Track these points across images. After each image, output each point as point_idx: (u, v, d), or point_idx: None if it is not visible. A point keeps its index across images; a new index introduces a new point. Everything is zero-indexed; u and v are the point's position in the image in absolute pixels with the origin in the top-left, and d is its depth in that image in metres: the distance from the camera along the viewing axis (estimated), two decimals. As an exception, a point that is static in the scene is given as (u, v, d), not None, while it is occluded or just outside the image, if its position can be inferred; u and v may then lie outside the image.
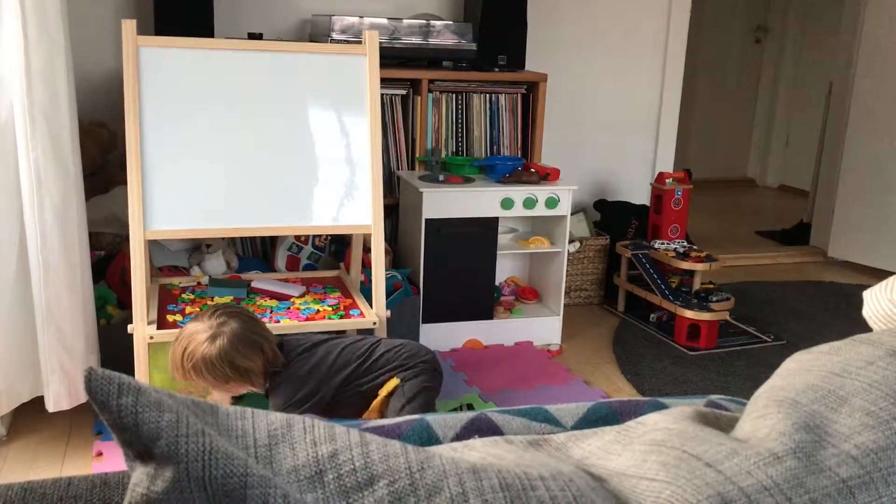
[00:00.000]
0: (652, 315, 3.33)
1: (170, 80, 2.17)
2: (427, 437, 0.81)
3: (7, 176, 2.03)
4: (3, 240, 2.04)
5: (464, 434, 0.82)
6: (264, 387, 2.07)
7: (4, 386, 2.10)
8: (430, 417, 0.84)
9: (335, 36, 2.99)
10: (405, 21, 3.12)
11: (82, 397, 2.23)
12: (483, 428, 0.82)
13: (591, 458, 0.70)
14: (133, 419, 0.49)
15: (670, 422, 0.73)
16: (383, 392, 2.09)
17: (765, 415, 0.73)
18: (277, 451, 0.54)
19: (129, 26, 2.11)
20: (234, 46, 2.26)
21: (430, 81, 3.12)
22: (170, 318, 2.24)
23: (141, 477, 0.48)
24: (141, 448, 0.49)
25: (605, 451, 0.71)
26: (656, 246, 3.37)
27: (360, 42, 2.93)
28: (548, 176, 3.03)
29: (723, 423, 0.79)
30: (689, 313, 3.09)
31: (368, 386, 2.10)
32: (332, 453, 0.54)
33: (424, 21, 3.15)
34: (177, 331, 2.15)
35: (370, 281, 2.40)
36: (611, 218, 3.66)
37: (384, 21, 3.08)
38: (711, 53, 6.05)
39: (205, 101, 2.21)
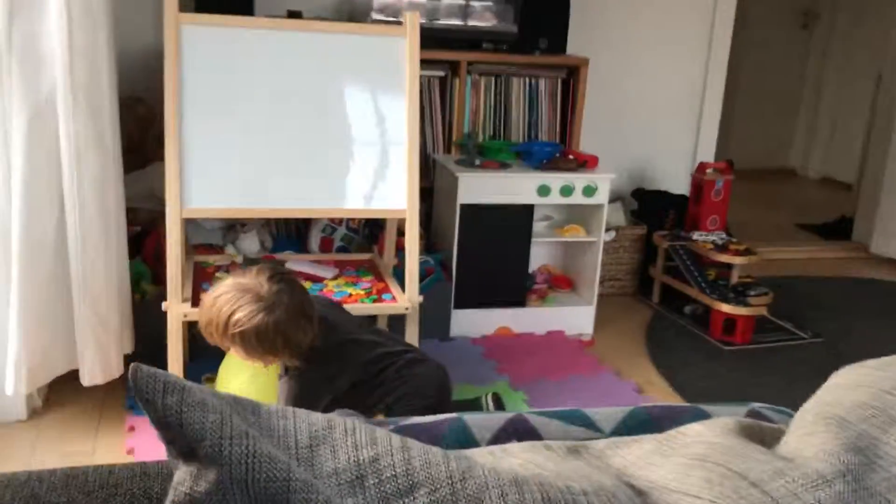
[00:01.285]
0: (687, 307, 3.29)
1: (210, 59, 2.16)
2: (464, 438, 0.79)
3: (48, 150, 2.04)
4: (42, 212, 2.05)
5: (501, 436, 0.80)
6: (295, 364, 1.94)
7: (41, 359, 2.12)
8: (467, 417, 0.83)
9: (375, 15, 2.97)
10: (445, 1, 3.09)
11: (116, 372, 2.26)
12: (520, 430, 0.81)
13: (632, 469, 0.68)
14: (177, 419, 0.48)
15: (713, 435, 0.70)
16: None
17: (812, 432, 0.70)
18: (318, 454, 0.53)
19: (171, 3, 2.10)
20: (274, 25, 2.25)
21: (470, 64, 3.09)
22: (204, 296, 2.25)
23: (184, 476, 0.48)
24: (185, 447, 0.48)
25: (646, 461, 0.69)
26: (694, 237, 3.32)
27: (400, 22, 2.91)
28: (586, 163, 2.99)
29: (767, 437, 0.76)
30: (725, 307, 3.04)
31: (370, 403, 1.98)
32: (373, 458, 0.53)
33: (464, 2, 3.11)
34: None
35: (403, 265, 2.39)
36: (648, 207, 3.60)
37: (424, 1, 3.05)
38: (756, 38, 5.91)
39: (244, 81, 2.20)
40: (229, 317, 1.76)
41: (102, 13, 2.07)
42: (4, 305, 2.07)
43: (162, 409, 0.49)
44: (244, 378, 2.17)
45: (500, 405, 2.21)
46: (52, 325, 2.14)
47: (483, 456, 0.66)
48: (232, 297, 1.77)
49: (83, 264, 2.10)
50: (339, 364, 1.94)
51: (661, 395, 2.61)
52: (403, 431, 0.76)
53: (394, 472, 0.51)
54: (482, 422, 0.82)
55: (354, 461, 0.52)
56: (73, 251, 2.09)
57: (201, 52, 2.15)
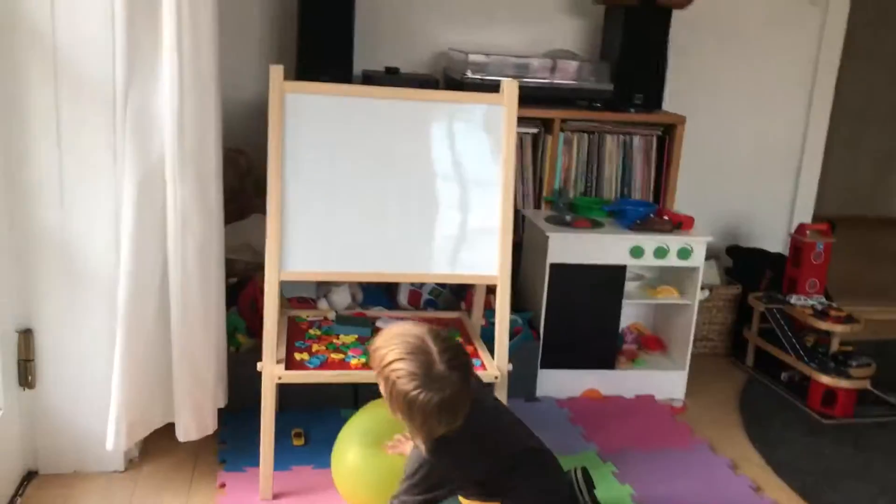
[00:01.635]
0: (783, 374, 3.16)
1: (311, 126, 2.20)
2: None
3: (155, 215, 2.10)
4: (147, 275, 2.12)
5: None
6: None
7: (140, 414, 2.18)
8: None
9: (470, 74, 2.98)
10: (540, 60, 3.08)
11: (210, 429, 2.30)
12: None
13: None
14: None
15: None
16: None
17: None
18: None
19: (276, 72, 2.15)
20: (373, 94, 2.28)
21: (563, 121, 3.06)
22: (297, 356, 2.28)
23: None
24: None
25: None
26: (792, 301, 3.19)
27: (496, 83, 2.92)
28: (681, 225, 2.92)
29: None
30: (825, 378, 2.91)
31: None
32: None
33: (561, 60, 3.09)
34: (302, 372, 2.19)
35: (491, 324, 2.37)
36: (744, 266, 3.49)
37: (520, 60, 3.04)
38: (856, 80, 5.69)
39: (342, 146, 2.23)
40: (392, 362, 1.76)
41: (212, 78, 2.13)
42: (109, 363, 2.13)
43: None
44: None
45: (589, 482, 2.15)
46: (152, 383, 2.20)
47: None
48: (407, 350, 1.76)
49: (183, 326, 2.15)
50: (475, 452, 1.90)
51: (758, 473, 2.51)
52: None
53: None
54: None
55: None
56: (175, 314, 2.14)
57: (303, 119, 2.18)
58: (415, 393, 1.73)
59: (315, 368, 2.22)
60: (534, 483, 1.94)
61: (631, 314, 3.23)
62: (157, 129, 2.08)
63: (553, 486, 2.01)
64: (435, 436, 1.80)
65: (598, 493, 2.18)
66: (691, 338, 2.97)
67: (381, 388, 1.83)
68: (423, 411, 1.74)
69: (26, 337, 2.17)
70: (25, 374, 2.18)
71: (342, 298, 2.84)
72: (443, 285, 3.03)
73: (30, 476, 2.25)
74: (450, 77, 3.11)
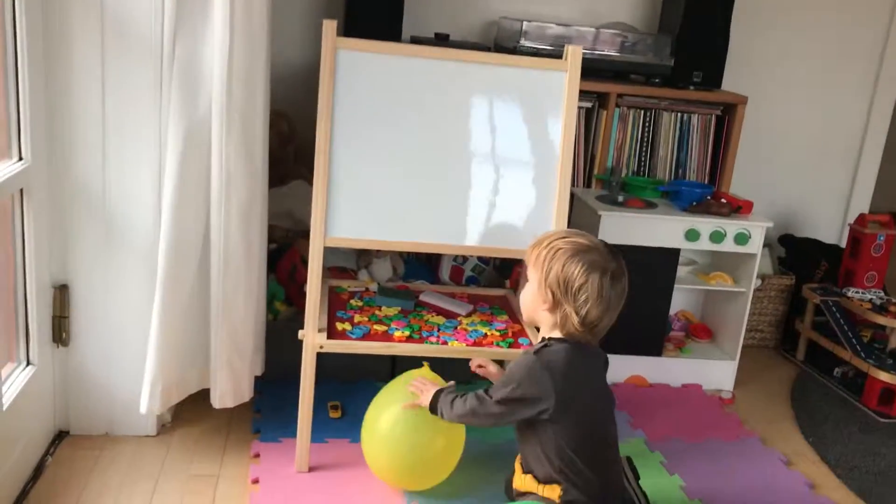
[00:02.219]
0: (837, 369, 3.03)
1: (362, 85, 2.10)
2: None
3: (199, 171, 2.02)
4: (189, 234, 2.04)
5: None
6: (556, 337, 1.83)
7: (176, 379, 2.11)
8: None
9: (524, 42, 2.86)
10: (597, 31, 2.95)
11: (246, 396, 2.23)
12: None
13: None
14: None
15: None
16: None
17: None
18: None
19: (329, 27, 2.05)
20: (428, 55, 2.16)
21: (619, 96, 2.93)
22: (339, 325, 2.20)
23: None
24: None
25: None
26: (849, 294, 3.06)
27: (550, 50, 2.80)
28: (740, 209, 2.79)
29: None
30: (883, 375, 2.77)
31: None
32: None
33: (619, 32, 2.96)
34: (344, 342, 2.11)
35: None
36: (798, 256, 3.36)
37: (578, 30, 2.92)
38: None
39: (393, 109, 2.13)
40: (565, 237, 1.81)
41: (263, 37, 2.04)
42: (145, 324, 2.06)
43: None
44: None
45: (635, 471, 2.05)
46: (189, 347, 2.13)
47: None
48: (583, 234, 1.84)
49: (224, 289, 2.08)
50: (580, 391, 1.81)
51: (812, 470, 2.39)
52: None
53: None
54: None
55: None
56: (216, 277, 2.07)
57: (355, 78, 2.09)
58: (594, 271, 1.75)
59: (357, 339, 2.14)
60: (601, 470, 1.83)
61: (679, 301, 3.11)
62: (204, 84, 2.00)
63: (617, 483, 1.91)
64: (583, 320, 1.76)
65: (646, 483, 2.08)
66: (744, 327, 2.85)
67: (536, 261, 1.81)
68: (580, 280, 1.74)
69: (62, 293, 2.10)
70: (59, 330, 2.12)
71: (383, 270, 2.75)
72: (486, 262, 2.93)
73: (60, 436, 2.19)
74: (501, 46, 3.00)
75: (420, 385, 2.01)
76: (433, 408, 1.94)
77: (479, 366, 2.10)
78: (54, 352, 2.13)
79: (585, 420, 1.81)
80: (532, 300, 1.86)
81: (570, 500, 1.80)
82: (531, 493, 1.86)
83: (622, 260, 1.85)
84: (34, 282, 2.00)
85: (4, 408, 1.84)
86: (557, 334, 1.84)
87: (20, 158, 1.92)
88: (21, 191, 1.92)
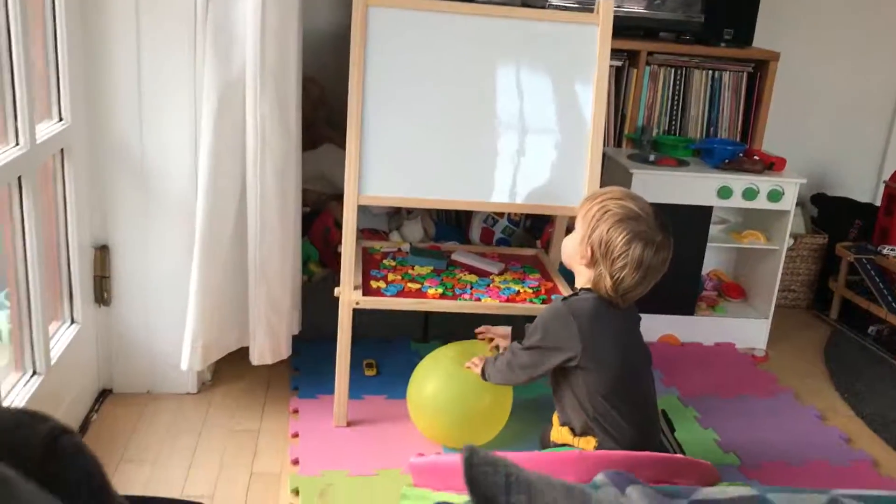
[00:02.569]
0: (871, 327, 3.01)
1: (393, 41, 2.10)
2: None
3: (234, 131, 2.04)
4: (225, 194, 2.07)
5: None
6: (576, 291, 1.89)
7: (216, 336, 2.15)
8: (772, 497, 0.71)
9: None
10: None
11: (284, 353, 2.27)
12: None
13: None
14: (525, 524, 0.39)
15: None
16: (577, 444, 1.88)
17: None
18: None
19: (360, -16, 2.05)
20: (458, 10, 2.16)
21: (650, 54, 2.91)
22: (373, 284, 2.22)
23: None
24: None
25: None
26: (885, 252, 3.02)
27: (579, 7, 2.78)
28: (773, 165, 2.77)
29: None
30: (919, 332, 2.75)
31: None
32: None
33: (649, -12, 2.93)
34: (379, 299, 2.13)
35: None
36: (830, 215, 3.32)
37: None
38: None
39: (424, 65, 2.13)
40: (618, 200, 1.82)
41: (294, -3, 2.05)
42: (185, 283, 2.10)
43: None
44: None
45: (670, 424, 2.07)
46: (228, 305, 2.17)
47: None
48: (632, 200, 1.83)
49: (260, 249, 2.11)
50: (610, 340, 1.84)
51: (848, 425, 2.39)
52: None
53: None
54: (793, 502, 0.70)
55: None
56: (252, 235, 2.10)
57: (385, 36, 2.09)
58: (628, 233, 1.76)
59: (392, 296, 2.16)
60: (635, 421, 1.84)
61: (711, 260, 3.10)
62: (237, 44, 2.01)
63: (653, 440, 1.91)
64: (618, 284, 1.78)
65: (681, 435, 2.09)
66: (777, 285, 2.83)
67: (585, 216, 1.83)
68: (622, 247, 1.76)
69: (102, 253, 2.14)
70: (101, 290, 2.16)
71: (414, 232, 2.76)
72: (516, 223, 2.94)
73: (104, 394, 2.25)
74: (530, 3, 2.97)
75: (477, 361, 2.05)
76: (484, 374, 2.01)
77: (481, 332, 2.18)
78: (97, 311, 2.18)
79: (615, 370, 1.83)
80: (573, 250, 1.89)
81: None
82: (567, 446, 1.88)
83: (670, 232, 1.84)
84: (76, 242, 2.04)
85: (52, 363, 1.89)
86: (589, 287, 1.86)
87: (60, 119, 1.95)
88: (62, 151, 1.95)
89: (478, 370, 2.02)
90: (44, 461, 0.54)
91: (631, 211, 1.80)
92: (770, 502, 0.69)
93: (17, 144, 1.71)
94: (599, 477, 0.67)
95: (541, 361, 1.86)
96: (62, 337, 2.03)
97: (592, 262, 1.83)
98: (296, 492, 1.89)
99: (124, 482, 1.89)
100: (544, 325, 1.84)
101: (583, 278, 1.89)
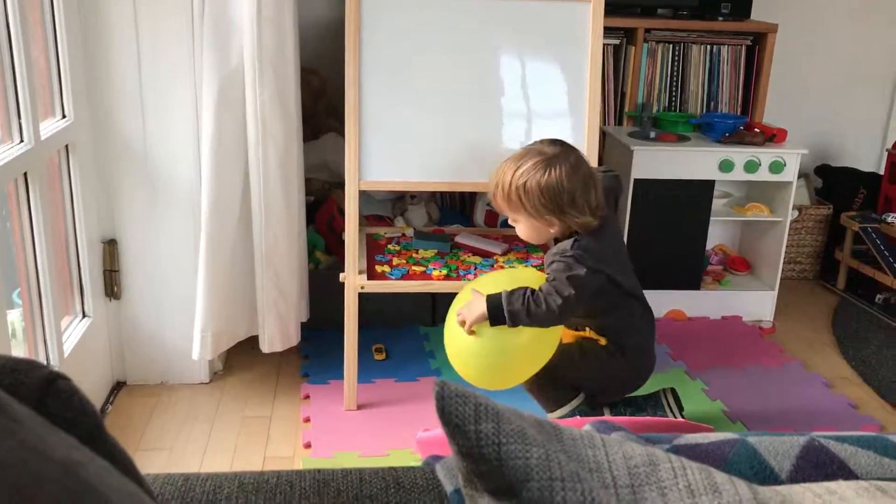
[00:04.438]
0: (878, 296, 3.01)
1: (388, 27, 2.12)
2: (759, 467, 0.70)
3: (235, 120, 2.07)
4: (229, 184, 2.09)
5: (803, 467, 0.70)
6: (564, 237, 1.87)
7: (225, 326, 2.18)
8: (753, 440, 0.73)
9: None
10: (623, -35, 2.92)
11: (293, 341, 2.30)
12: (824, 460, 0.70)
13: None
14: (495, 451, 0.41)
15: None
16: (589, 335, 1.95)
17: None
18: (644, 496, 0.45)
19: (350, -28, 2.07)
20: (455, -8, 2.17)
21: (647, 31, 2.91)
22: (378, 268, 2.24)
23: (498, 519, 0.41)
24: (501, 484, 0.42)
25: None
26: (889, 220, 3.02)
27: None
28: (774, 137, 2.77)
29: None
30: (926, 298, 2.76)
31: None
32: (718, 510, 0.45)
33: (644, -35, 2.93)
34: (384, 282, 2.15)
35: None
36: (835, 185, 3.32)
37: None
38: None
39: (421, 50, 2.15)
40: (514, 171, 1.81)
41: (288, -16, 2.07)
42: (193, 274, 2.13)
43: (476, 439, 0.42)
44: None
45: (679, 403, 2.08)
46: (236, 294, 2.19)
47: (812, 500, 0.57)
48: (516, 157, 1.85)
49: (266, 236, 2.13)
50: (613, 255, 1.89)
51: (855, 392, 2.40)
52: (680, 452, 0.68)
53: (750, 531, 0.43)
54: (774, 447, 0.72)
55: (694, 511, 0.44)
56: (257, 223, 2.12)
57: (380, 19, 2.10)
58: (547, 174, 1.78)
59: (397, 280, 2.18)
60: (640, 328, 1.97)
61: (716, 235, 3.10)
62: (235, 35, 2.03)
63: (651, 340, 2.02)
64: (588, 209, 1.80)
65: (688, 408, 2.11)
66: (782, 256, 2.84)
67: (519, 218, 1.85)
68: (561, 184, 1.77)
69: (111, 247, 2.18)
70: (111, 284, 2.19)
71: (418, 216, 2.79)
72: (520, 205, 2.95)
73: (118, 386, 2.28)
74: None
75: (465, 310, 1.84)
76: (496, 316, 1.79)
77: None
78: (108, 305, 2.22)
79: (618, 280, 1.89)
80: (536, 232, 1.89)
81: (616, 346, 1.92)
82: (575, 344, 1.97)
83: (562, 142, 1.88)
84: (84, 237, 2.07)
85: (65, 356, 1.93)
86: (576, 231, 1.86)
87: (63, 116, 1.98)
88: (66, 147, 1.98)
89: (471, 314, 1.81)
90: (40, 401, 0.57)
91: (530, 164, 1.81)
92: (749, 444, 0.71)
93: (22, 141, 1.74)
94: (586, 427, 0.69)
95: (577, 304, 1.84)
96: (74, 331, 2.06)
97: (560, 220, 1.84)
98: (309, 474, 1.91)
99: (141, 469, 1.92)
100: (570, 288, 1.80)
101: (565, 235, 1.90)
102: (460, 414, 0.43)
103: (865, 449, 0.70)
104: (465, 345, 1.85)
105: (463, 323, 1.83)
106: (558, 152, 1.82)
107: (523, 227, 1.90)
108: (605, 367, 1.96)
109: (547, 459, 0.40)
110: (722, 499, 0.45)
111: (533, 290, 1.81)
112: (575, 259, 1.81)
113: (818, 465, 0.68)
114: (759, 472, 0.69)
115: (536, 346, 1.88)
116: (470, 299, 1.84)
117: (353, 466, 0.69)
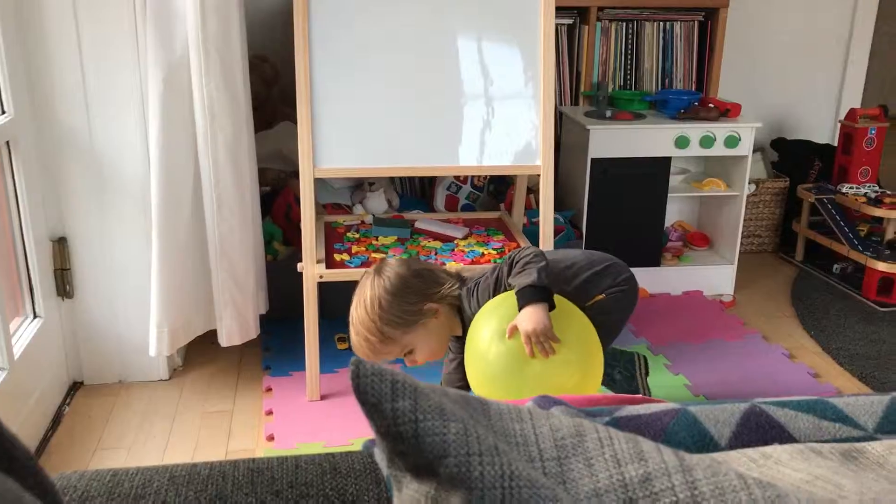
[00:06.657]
0: (835, 266, 3.05)
1: (337, 14, 2.09)
2: (698, 435, 0.69)
3: (182, 110, 2.03)
4: (179, 176, 2.05)
5: (742, 433, 0.69)
6: (459, 321, 1.78)
7: (182, 321, 2.14)
8: (694, 409, 0.73)
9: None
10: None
11: (252, 333, 2.27)
12: (763, 425, 0.70)
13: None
14: (412, 428, 0.40)
15: None
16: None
17: None
18: (570, 468, 0.44)
19: (298, -45, 2.03)
20: (403, -25, 2.15)
21: (600, 9, 2.91)
22: (337, 256, 2.22)
23: (417, 498, 0.40)
24: (420, 462, 0.40)
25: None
26: (844, 190, 3.06)
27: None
28: (728, 112, 2.79)
29: None
30: (881, 265, 2.80)
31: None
32: (643, 478, 0.44)
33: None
34: (343, 271, 2.13)
35: (532, 223, 2.28)
36: (790, 158, 3.35)
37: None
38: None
39: (372, 35, 2.12)
40: (363, 311, 1.72)
41: (231, -31, 2.03)
42: (147, 270, 2.09)
43: (392, 416, 0.41)
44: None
45: (646, 367, 2.10)
46: (191, 288, 2.16)
47: (746, 465, 0.57)
48: (354, 314, 1.75)
49: (219, 228, 2.10)
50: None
51: (815, 361, 2.43)
52: (620, 424, 0.67)
53: (675, 499, 0.42)
54: (714, 415, 0.72)
55: (619, 480, 0.43)
56: (210, 214, 2.09)
57: (329, 6, 2.07)
58: (381, 280, 1.72)
59: (356, 267, 2.16)
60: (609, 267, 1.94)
61: (674, 212, 3.13)
62: (178, 23, 1.99)
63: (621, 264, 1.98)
64: (448, 278, 1.77)
65: (651, 382, 2.12)
66: (740, 230, 2.87)
67: (385, 345, 1.73)
68: (398, 275, 1.72)
69: (61, 245, 2.13)
70: (63, 283, 2.15)
71: (378, 203, 2.76)
72: (479, 189, 2.94)
73: (75, 387, 2.24)
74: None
75: (527, 326, 1.58)
76: (544, 297, 1.61)
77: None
78: (60, 304, 2.17)
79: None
80: (435, 335, 1.77)
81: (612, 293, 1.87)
82: None
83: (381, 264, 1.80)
84: (31, 235, 2.02)
85: (15, 358, 1.88)
86: (459, 305, 1.79)
87: (2, 112, 1.92)
88: (7, 143, 1.93)
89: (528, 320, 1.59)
90: None
91: (360, 301, 1.74)
92: (690, 413, 0.71)
93: (-41, 139, 1.69)
94: (528, 403, 0.68)
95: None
96: (25, 332, 2.01)
97: (434, 302, 1.75)
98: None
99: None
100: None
101: (456, 321, 1.81)
102: (377, 392, 0.41)
103: (805, 413, 0.70)
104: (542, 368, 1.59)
105: (539, 341, 1.57)
106: (366, 272, 1.78)
107: (422, 343, 1.76)
108: (619, 314, 1.92)
109: (465, 434, 0.39)
110: (648, 466, 0.44)
111: (525, 258, 1.71)
112: (492, 271, 1.78)
113: (757, 430, 0.68)
114: (699, 441, 0.69)
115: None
116: (514, 319, 1.60)
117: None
